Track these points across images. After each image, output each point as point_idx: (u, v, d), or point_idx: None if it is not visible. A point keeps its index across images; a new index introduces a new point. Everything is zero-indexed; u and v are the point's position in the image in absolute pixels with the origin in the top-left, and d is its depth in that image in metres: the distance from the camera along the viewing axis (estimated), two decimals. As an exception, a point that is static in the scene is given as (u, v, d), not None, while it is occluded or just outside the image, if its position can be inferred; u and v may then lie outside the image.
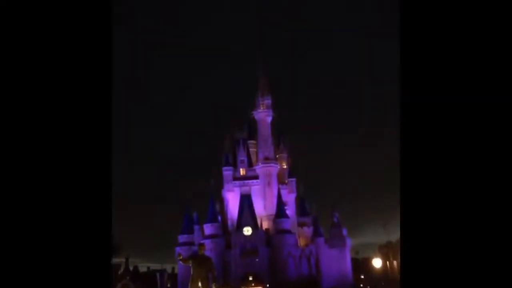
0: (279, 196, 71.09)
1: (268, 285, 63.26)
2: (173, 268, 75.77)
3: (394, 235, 55.41)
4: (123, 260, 66.83)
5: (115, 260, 61.99)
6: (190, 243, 69.11)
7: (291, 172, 77.69)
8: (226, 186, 75.67)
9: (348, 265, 71.97)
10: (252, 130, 79.73)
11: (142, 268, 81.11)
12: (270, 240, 68.20)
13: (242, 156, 76.89)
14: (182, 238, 72.15)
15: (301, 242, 70.70)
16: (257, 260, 65.95)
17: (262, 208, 72.17)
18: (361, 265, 72.54)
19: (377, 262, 38.91)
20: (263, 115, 77.21)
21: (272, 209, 70.75)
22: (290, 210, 73.43)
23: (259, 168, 74.68)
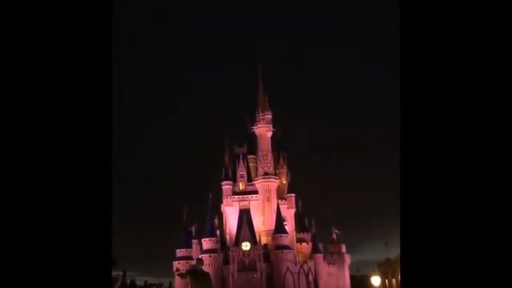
0: (278, 212, 70.76)
1: (266, 302, 62.60)
2: (170, 283, 75.15)
3: (394, 253, 55.06)
4: (121, 273, 66.26)
5: (112, 273, 61.50)
6: (188, 258, 68.59)
7: (291, 188, 77.44)
8: (225, 200, 75.35)
9: (347, 282, 71.35)
10: (252, 145, 79.70)
11: (139, 282, 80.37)
12: (268, 255, 67.70)
13: (241, 171, 76.73)
14: (180, 252, 71.64)
15: (300, 258, 70.14)
16: (255, 276, 65.36)
17: (261, 223, 71.78)
18: (360, 282, 71.84)
19: (375, 280, 38.55)
20: (263, 130, 77.27)
21: (271, 225, 70.36)
22: (289, 226, 73.01)
23: (259, 183, 74.46)
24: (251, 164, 78.36)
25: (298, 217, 75.68)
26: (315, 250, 71.49)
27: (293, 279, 66.10)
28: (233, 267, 65.85)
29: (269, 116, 78.47)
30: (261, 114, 78.29)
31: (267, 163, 75.26)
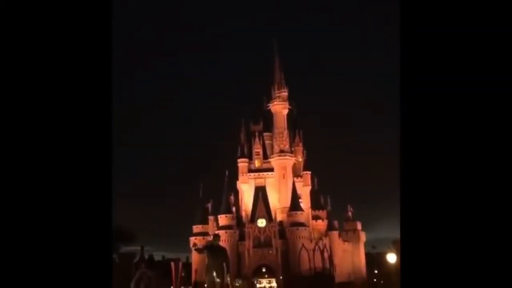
0: (294, 189, 71.02)
1: (281, 277, 63.43)
2: (187, 258, 76.36)
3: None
4: (138, 248, 67.63)
5: (130, 249, 62.79)
6: (204, 234, 69.59)
7: (306, 165, 77.45)
8: (241, 177, 75.85)
9: (362, 259, 71.81)
10: (268, 122, 79.57)
11: (157, 257, 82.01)
12: (284, 232, 68.30)
13: (257, 148, 76.93)
14: (196, 228, 72.69)
15: (315, 235, 70.60)
16: (270, 252, 66.13)
17: (277, 201, 72.24)
18: (375, 260, 72.17)
19: (391, 257, 38.59)
20: (279, 107, 76.98)
21: (287, 202, 70.74)
22: (305, 203, 73.34)
23: (274, 161, 74.63)
24: (266, 142, 78.41)
25: (314, 195, 75.90)
26: (330, 227, 71.83)
27: (308, 256, 66.70)
28: (248, 243, 66.66)
29: (285, 93, 78.01)
30: (277, 91, 77.85)
31: (282, 140, 75.21)
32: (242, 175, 75.68)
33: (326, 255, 67.63)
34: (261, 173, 75.20)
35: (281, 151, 74.51)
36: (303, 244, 67.19)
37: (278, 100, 77.14)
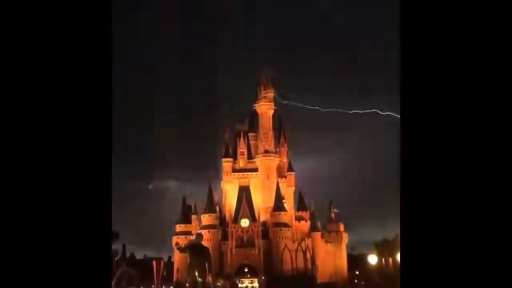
0: (278, 190, 71.23)
1: (263, 278, 63.55)
2: (169, 257, 76.05)
3: (391, 234, 55.54)
4: (120, 247, 67.11)
5: (112, 247, 62.35)
6: (187, 233, 69.34)
7: (291, 166, 77.73)
8: (225, 177, 75.78)
9: (344, 260, 72.38)
10: (253, 122, 79.64)
11: (139, 256, 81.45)
12: (267, 232, 68.45)
13: (242, 148, 76.92)
14: (179, 227, 72.41)
15: (298, 236, 70.94)
16: (253, 252, 66.23)
17: (260, 201, 72.32)
18: (357, 261, 72.78)
19: (372, 259, 39.05)
20: (265, 108, 77.10)
21: (270, 202, 70.89)
22: (288, 204, 73.59)
23: (259, 161, 74.74)
24: (251, 142, 78.46)
25: (297, 196, 76.27)
26: (313, 228, 72.23)
27: (291, 256, 66.99)
28: (231, 243, 66.67)
29: (271, 94, 78.16)
30: (263, 91, 77.95)
31: (268, 141, 75.38)
32: (226, 175, 75.61)
33: (308, 255, 67.99)
34: (245, 173, 75.23)
35: (266, 151, 74.64)
36: (286, 245, 67.44)
37: (264, 101, 77.27)
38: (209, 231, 66.68)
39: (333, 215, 75.16)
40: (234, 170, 75.69)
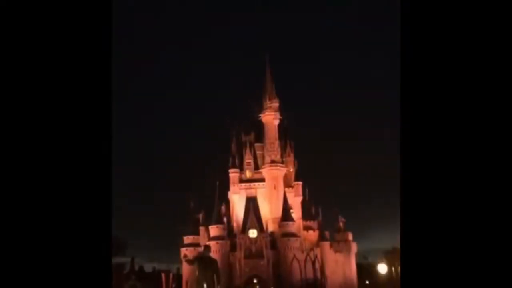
0: (285, 199, 70.94)
1: (272, 288, 63.10)
2: (177, 269, 75.71)
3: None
4: (129, 259, 67.06)
5: (120, 260, 62.22)
6: (195, 245, 69.12)
7: (298, 176, 77.50)
8: (232, 188, 75.63)
9: (353, 270, 71.66)
10: (259, 132, 79.63)
11: (148, 268, 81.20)
12: (275, 243, 68.06)
13: (248, 159, 76.87)
14: (187, 239, 72.21)
15: (306, 246, 70.42)
16: (261, 263, 65.81)
17: (268, 211, 72.04)
18: (366, 270, 72.11)
19: (382, 268, 38.67)
20: (271, 118, 77.13)
21: (278, 212, 70.58)
22: (296, 214, 73.25)
23: (266, 171, 74.57)
24: (258, 152, 78.39)
25: (305, 205, 75.86)
26: (321, 237, 71.76)
27: (300, 267, 66.47)
28: (240, 254, 66.30)
29: (276, 104, 78.26)
30: (268, 102, 78.06)
31: (274, 151, 75.26)
32: (233, 186, 75.45)
33: (317, 265, 67.45)
34: (252, 184, 75.06)
35: (272, 162, 74.52)
36: (294, 255, 66.97)
37: (269, 111, 77.34)
38: (217, 242, 66.41)
39: (341, 224, 74.66)
40: (241, 181, 75.55)
